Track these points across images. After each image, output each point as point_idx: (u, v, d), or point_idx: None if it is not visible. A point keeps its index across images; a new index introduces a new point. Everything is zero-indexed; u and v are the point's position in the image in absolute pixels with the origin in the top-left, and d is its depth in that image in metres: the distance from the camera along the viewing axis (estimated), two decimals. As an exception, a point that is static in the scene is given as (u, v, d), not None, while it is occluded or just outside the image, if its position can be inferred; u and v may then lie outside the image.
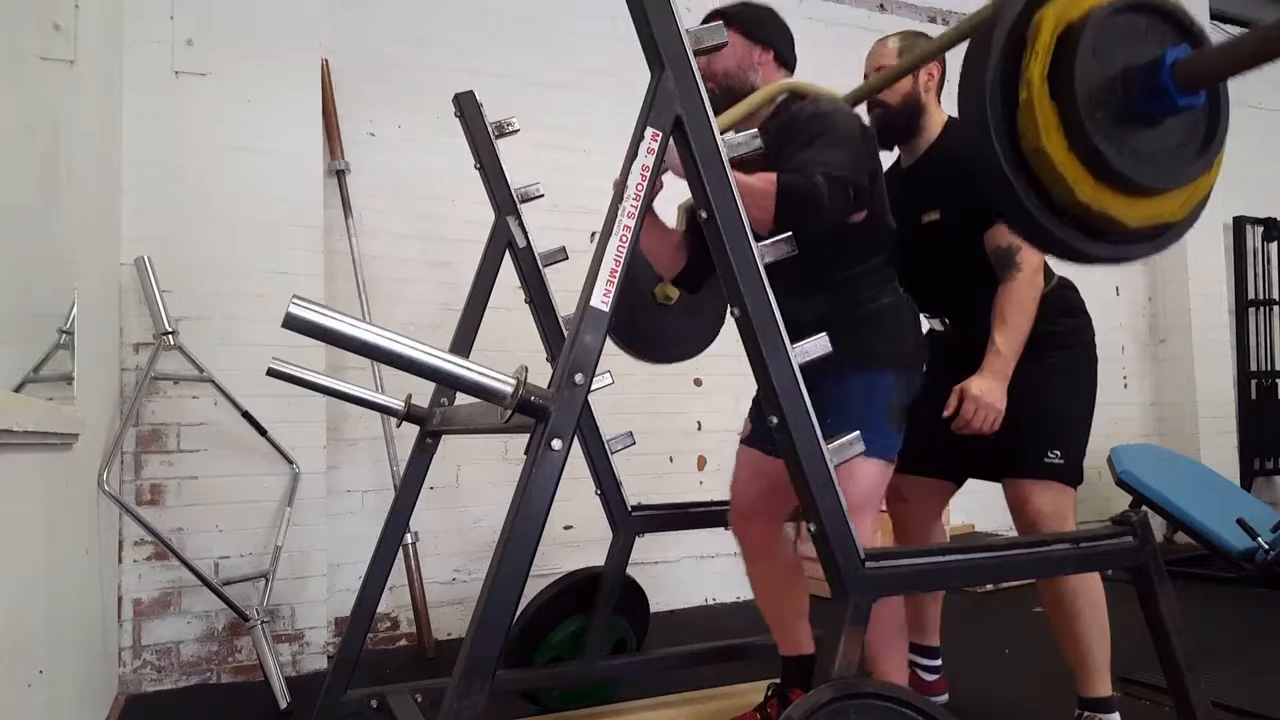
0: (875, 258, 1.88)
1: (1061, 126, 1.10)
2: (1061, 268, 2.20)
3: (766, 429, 1.60)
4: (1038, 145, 1.11)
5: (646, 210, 1.39)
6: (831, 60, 4.32)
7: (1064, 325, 2.10)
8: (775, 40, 1.97)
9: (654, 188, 1.40)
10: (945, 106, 2.17)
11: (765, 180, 1.62)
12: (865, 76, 2.17)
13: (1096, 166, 1.11)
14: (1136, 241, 1.21)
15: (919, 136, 2.15)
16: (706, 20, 1.93)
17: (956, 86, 1.19)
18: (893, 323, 1.86)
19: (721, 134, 1.72)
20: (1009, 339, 1.88)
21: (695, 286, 2.11)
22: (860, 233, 1.82)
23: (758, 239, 1.47)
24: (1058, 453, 2.02)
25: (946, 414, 1.84)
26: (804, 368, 1.45)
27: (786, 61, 2.00)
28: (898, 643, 1.91)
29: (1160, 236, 1.22)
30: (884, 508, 2.25)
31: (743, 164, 1.52)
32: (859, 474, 1.73)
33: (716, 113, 1.94)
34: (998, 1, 1.17)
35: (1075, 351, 2.11)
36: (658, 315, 2.33)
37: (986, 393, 1.82)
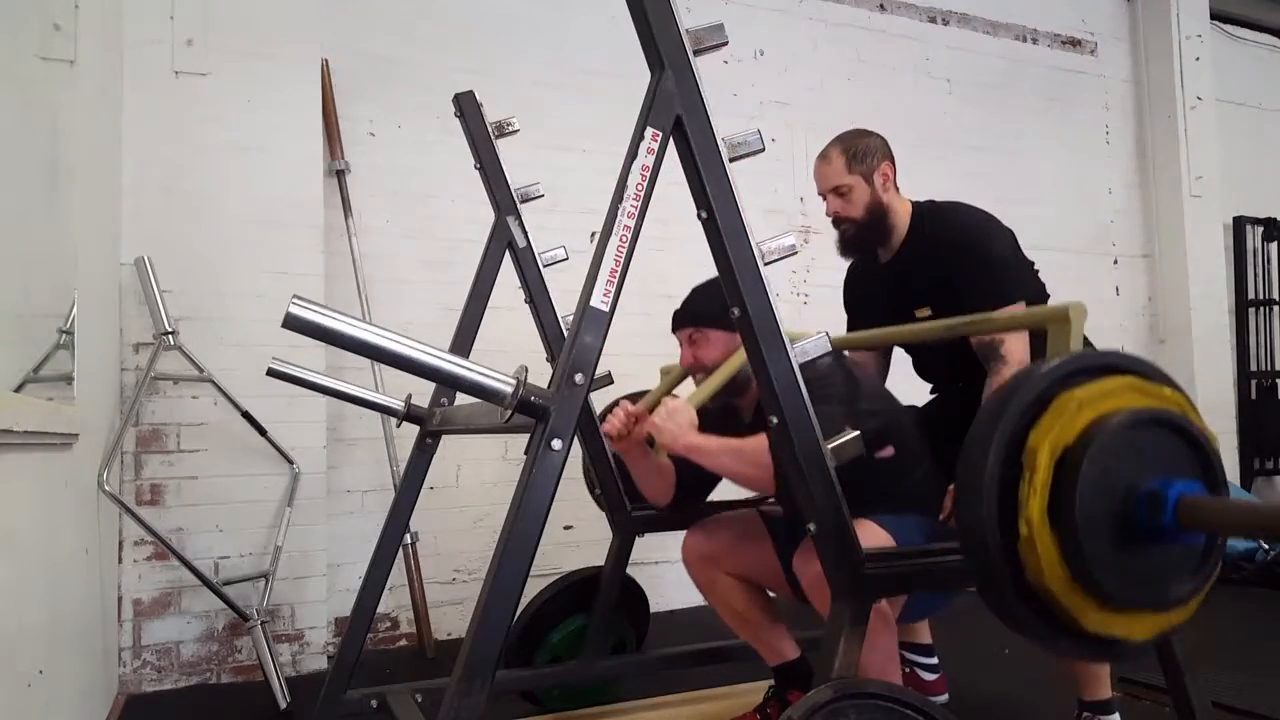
0: (918, 473, 1.89)
1: (1063, 560, 1.09)
2: (1051, 263, 2.25)
3: None
4: (1040, 583, 1.10)
5: (645, 210, 1.39)
6: (832, 60, 4.35)
7: None
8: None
9: (653, 188, 1.40)
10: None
11: (756, 444, 1.67)
12: (821, 195, 2.20)
13: (1101, 597, 1.10)
14: (1146, 647, 1.21)
15: (890, 236, 2.18)
16: (679, 328, 2.03)
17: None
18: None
19: (698, 408, 1.82)
20: None
21: (684, 509, 2.20)
22: (896, 465, 1.83)
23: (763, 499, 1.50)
24: None
25: (942, 517, 1.85)
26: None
27: None
28: (889, 645, 1.91)
29: (1166, 636, 1.22)
30: None
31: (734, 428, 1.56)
32: (866, 534, 1.68)
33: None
34: (988, 412, 1.15)
35: None
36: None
37: None
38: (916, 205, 2.18)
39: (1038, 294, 2.17)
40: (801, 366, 1.55)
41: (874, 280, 2.25)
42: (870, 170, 2.12)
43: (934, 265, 2.07)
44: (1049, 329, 1.61)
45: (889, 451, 1.83)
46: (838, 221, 2.18)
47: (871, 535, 1.69)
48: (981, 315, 1.87)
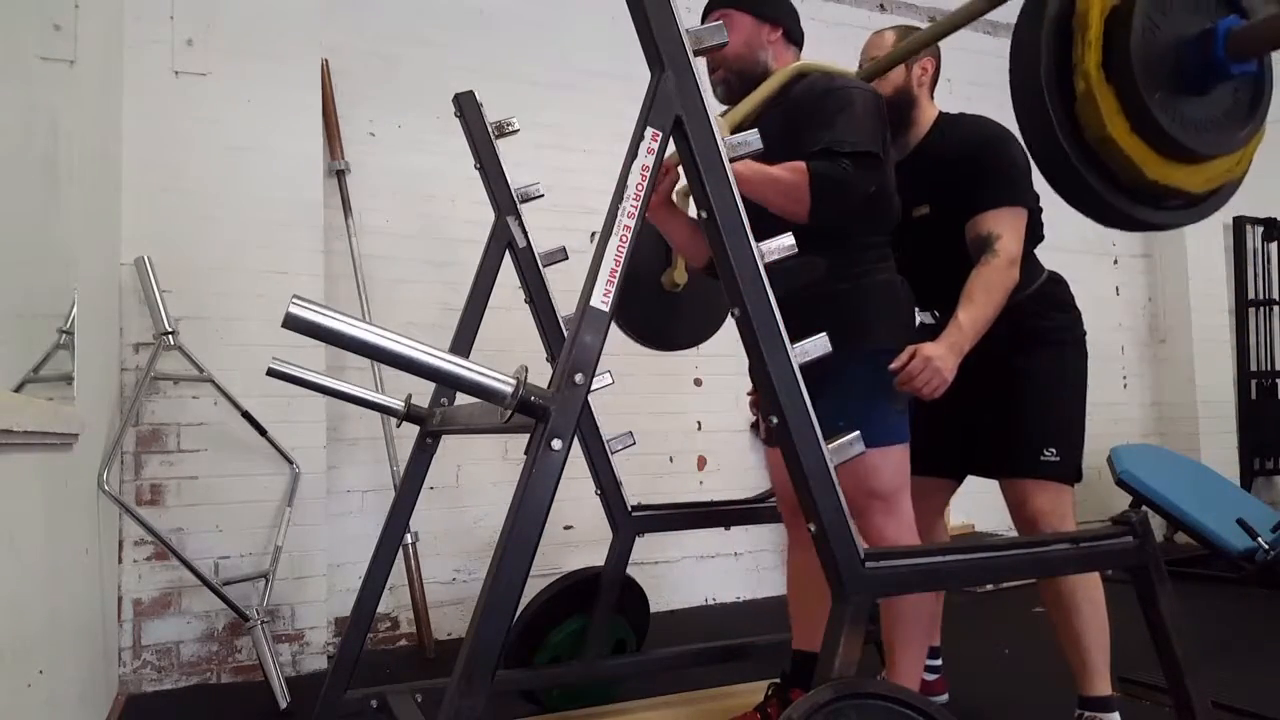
0: (878, 233, 1.89)
1: (1123, 111, 1.11)
2: (1051, 263, 2.21)
3: None
4: (1103, 134, 1.11)
5: (645, 210, 1.39)
6: (831, 60, 4.34)
7: (1055, 320, 2.10)
8: (783, 17, 1.97)
9: (654, 188, 1.40)
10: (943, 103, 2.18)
11: (795, 171, 1.63)
12: (860, 65, 2.19)
13: (1162, 144, 1.12)
14: (1201, 203, 1.23)
15: (909, 131, 2.16)
16: (709, 9, 1.94)
17: (1005, 78, 1.19)
18: (890, 301, 1.86)
19: (742, 121, 1.72)
20: (972, 317, 1.85)
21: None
22: (869, 201, 1.81)
23: (790, 227, 1.47)
24: (1053, 450, 2.02)
25: (893, 367, 1.79)
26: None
27: (795, 38, 2.00)
28: (919, 642, 1.90)
29: (1220, 194, 1.24)
30: None
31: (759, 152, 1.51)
32: (882, 463, 1.75)
33: (731, 99, 1.93)
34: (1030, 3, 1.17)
35: (1066, 348, 2.11)
36: (666, 302, 2.33)
37: (938, 358, 1.77)
38: (943, 114, 2.17)
39: (1038, 230, 2.15)
40: (829, 77, 1.60)
41: None
42: (913, 57, 2.11)
43: (945, 162, 2.04)
44: None
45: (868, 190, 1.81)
46: None
47: (865, 463, 1.65)
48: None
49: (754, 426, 2.24)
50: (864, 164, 1.66)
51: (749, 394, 2.42)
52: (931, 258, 2.05)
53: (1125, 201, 1.17)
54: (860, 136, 1.69)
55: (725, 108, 1.98)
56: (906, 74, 2.13)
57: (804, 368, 1.44)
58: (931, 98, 2.19)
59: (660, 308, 2.33)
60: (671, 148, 1.43)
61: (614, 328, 1.38)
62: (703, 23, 1.93)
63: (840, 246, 1.84)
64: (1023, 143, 2.06)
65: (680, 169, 1.80)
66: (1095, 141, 1.12)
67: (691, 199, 2.07)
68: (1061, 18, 1.13)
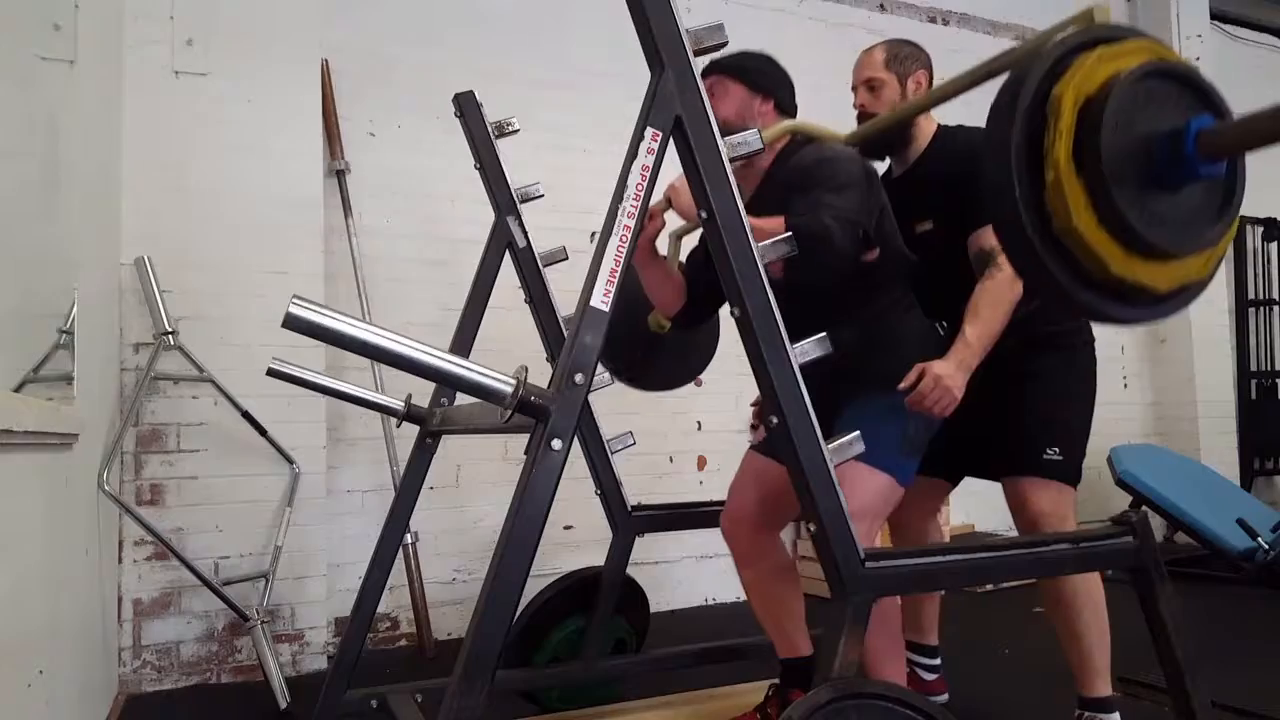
0: (895, 289, 1.92)
1: (1090, 204, 1.11)
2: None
3: None
4: (1069, 225, 1.11)
5: (645, 212, 1.39)
6: (832, 60, 4.33)
7: (1065, 325, 2.10)
8: (777, 90, 1.99)
9: (653, 188, 1.40)
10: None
11: (774, 223, 1.65)
12: (853, 88, 2.19)
13: (1128, 239, 1.12)
14: (1165, 302, 1.22)
15: (909, 146, 2.16)
16: (704, 74, 1.95)
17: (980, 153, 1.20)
18: (918, 348, 1.87)
19: None
20: (979, 333, 1.85)
21: (693, 325, 2.14)
22: (877, 269, 1.86)
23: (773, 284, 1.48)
24: (1056, 450, 2.01)
25: (902, 386, 1.81)
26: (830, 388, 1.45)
27: (788, 110, 2.02)
28: (895, 646, 1.91)
29: (1185, 294, 1.24)
30: None
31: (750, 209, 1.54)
32: (860, 482, 1.72)
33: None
34: (1012, 75, 1.17)
35: (1077, 351, 2.11)
36: (651, 345, 2.32)
37: (948, 376, 1.78)
38: (942, 127, 2.16)
39: None
40: (814, 148, 1.59)
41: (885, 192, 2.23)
42: (905, 73, 2.11)
43: (946, 177, 2.04)
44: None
45: (874, 254, 1.83)
46: (862, 116, 2.15)
47: (858, 477, 1.69)
48: (996, 56, 1.82)
49: (754, 429, 2.24)
50: (846, 229, 1.66)
51: (753, 405, 2.42)
52: (937, 272, 2.05)
53: (1089, 295, 1.18)
54: (846, 205, 1.70)
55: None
56: (902, 92, 2.12)
57: (839, 394, 1.45)
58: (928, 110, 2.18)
59: (647, 348, 2.32)
60: (658, 194, 1.42)
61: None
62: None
63: (865, 312, 1.87)
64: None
65: (666, 215, 1.82)
66: (1062, 232, 1.12)
67: (671, 249, 2.09)
68: (1036, 103, 1.13)
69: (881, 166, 2.17)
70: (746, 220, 1.45)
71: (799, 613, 2.10)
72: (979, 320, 1.87)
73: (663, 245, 2.05)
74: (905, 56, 2.13)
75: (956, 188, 2.00)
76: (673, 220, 1.96)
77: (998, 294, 1.89)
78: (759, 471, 2.05)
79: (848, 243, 1.66)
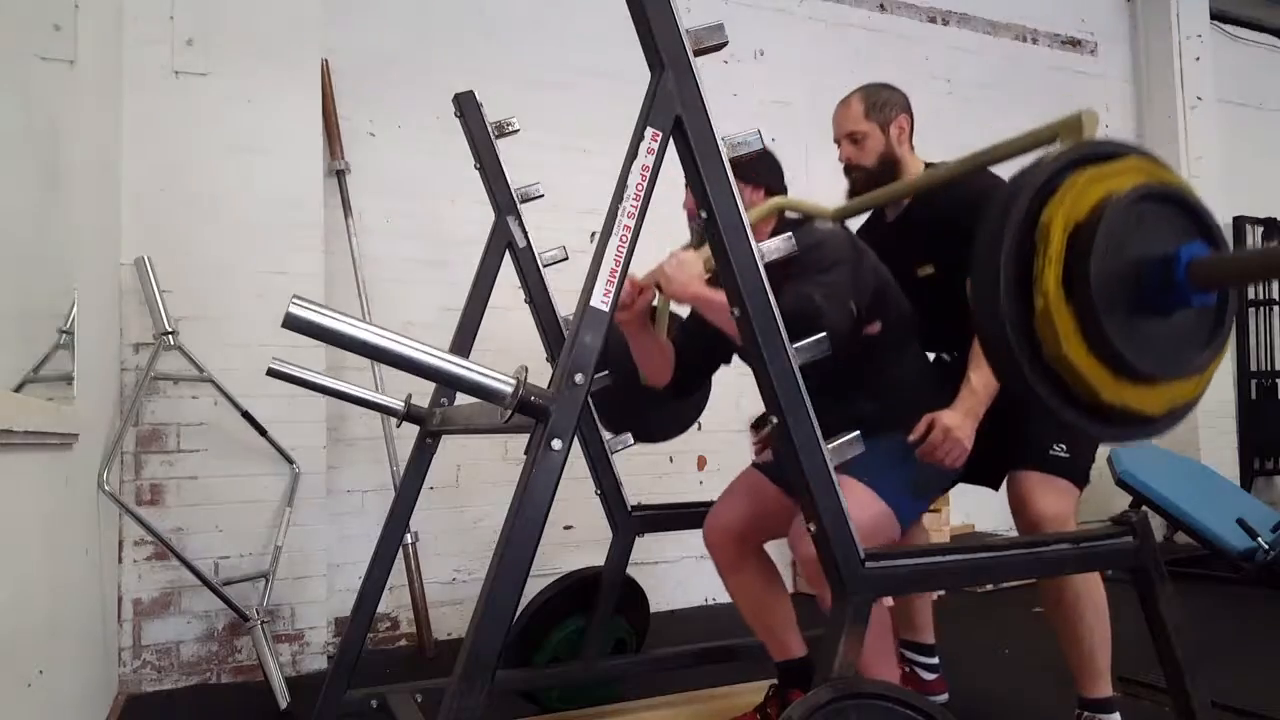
0: (906, 355, 1.94)
1: (1080, 331, 1.10)
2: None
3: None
4: (1059, 353, 1.11)
5: (644, 211, 1.39)
6: (832, 60, 4.35)
7: None
8: (764, 176, 2.00)
9: (653, 188, 1.40)
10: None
11: None
12: (836, 141, 2.18)
13: (1118, 366, 1.12)
14: (1155, 423, 1.23)
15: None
16: None
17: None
18: (928, 395, 1.90)
19: (709, 271, 1.77)
20: (984, 379, 1.85)
21: (682, 395, 2.16)
22: (884, 342, 1.86)
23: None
24: (1063, 447, 2.00)
25: (912, 439, 1.82)
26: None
27: (777, 192, 2.03)
28: (886, 645, 1.91)
29: (1175, 415, 1.24)
30: None
31: None
32: (857, 504, 1.65)
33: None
34: (1002, 197, 1.16)
35: None
36: (646, 396, 2.31)
37: (957, 428, 1.80)
38: (929, 165, 2.16)
39: None
40: (802, 233, 1.59)
41: (878, 237, 2.21)
42: (887, 120, 2.11)
43: (942, 221, 2.02)
44: (1061, 138, 1.58)
45: (876, 328, 1.84)
46: (848, 169, 2.16)
47: (858, 499, 1.68)
48: (987, 148, 1.78)
49: (758, 449, 2.26)
50: (835, 304, 1.67)
51: (752, 426, 2.41)
52: (942, 312, 2.05)
53: (1080, 419, 1.18)
54: (835, 281, 1.71)
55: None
56: (885, 139, 2.11)
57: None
58: (913, 149, 2.18)
59: (639, 401, 2.30)
60: (657, 195, 1.41)
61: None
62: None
63: (878, 381, 1.89)
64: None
65: (657, 288, 1.82)
66: (1052, 359, 1.12)
67: (660, 304, 2.09)
68: (1025, 227, 1.13)
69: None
70: (746, 220, 1.45)
71: (788, 615, 2.11)
72: (983, 368, 1.86)
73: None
74: (883, 103, 2.12)
75: (953, 231, 1.99)
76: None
77: None
78: (753, 487, 2.07)
79: (839, 318, 1.66)
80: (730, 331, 1.73)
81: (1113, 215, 1.09)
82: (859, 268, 1.80)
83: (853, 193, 2.16)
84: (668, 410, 2.44)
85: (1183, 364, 1.16)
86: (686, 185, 1.98)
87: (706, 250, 1.85)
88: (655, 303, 2.04)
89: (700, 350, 2.05)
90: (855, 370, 1.82)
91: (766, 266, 1.47)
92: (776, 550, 2.18)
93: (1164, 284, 1.10)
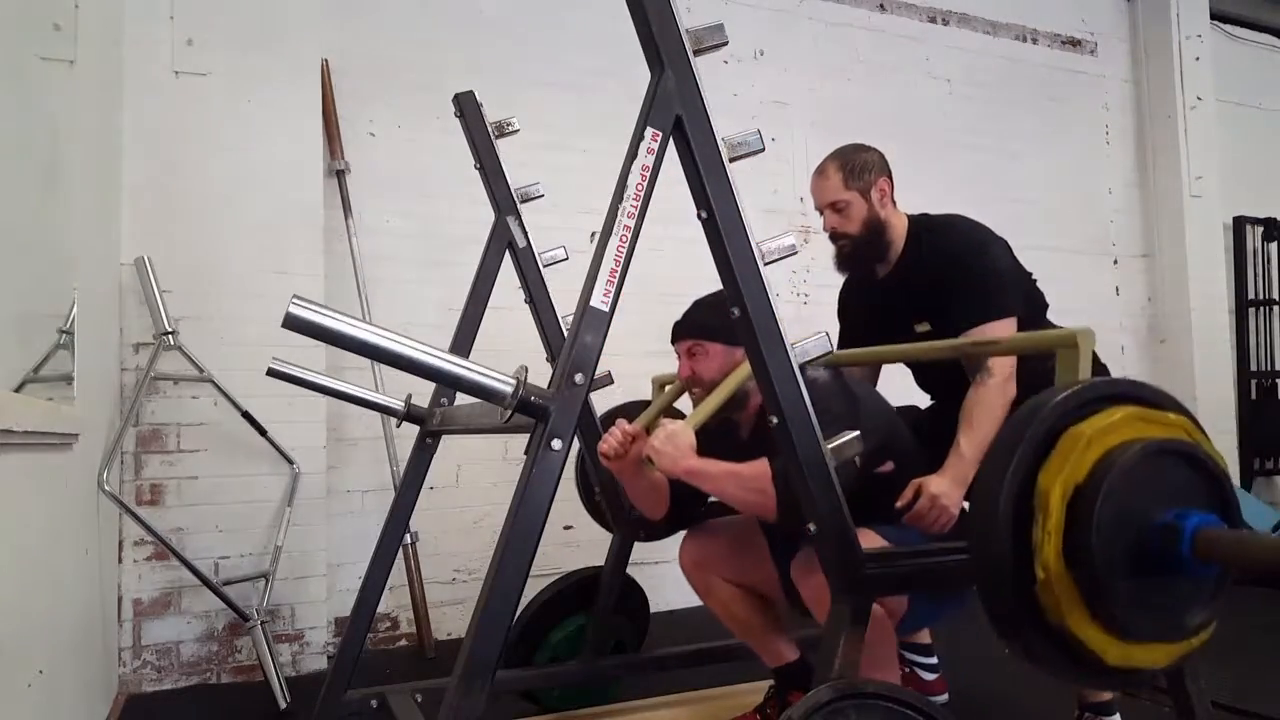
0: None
1: (1082, 600, 1.09)
2: (1051, 263, 2.21)
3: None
4: (1062, 622, 1.10)
5: (644, 211, 1.39)
6: (832, 60, 4.35)
7: None
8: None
9: (653, 188, 1.40)
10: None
11: (757, 469, 1.66)
12: (818, 210, 2.18)
13: (1121, 631, 1.10)
14: (1163, 669, 1.22)
15: (889, 250, 2.16)
16: (679, 339, 1.98)
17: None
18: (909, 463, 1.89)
19: (697, 429, 1.77)
20: (973, 443, 1.84)
21: (678, 526, 2.20)
22: (893, 481, 1.84)
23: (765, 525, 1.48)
24: None
25: (899, 504, 1.81)
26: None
27: None
28: (888, 647, 1.90)
29: (1183, 659, 1.22)
30: None
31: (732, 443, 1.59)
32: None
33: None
34: (996, 458, 1.15)
35: None
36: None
37: (944, 495, 1.79)
38: (913, 219, 2.16)
39: (1037, 304, 2.15)
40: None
41: (871, 294, 2.23)
42: (867, 186, 2.10)
43: (931, 280, 2.05)
44: (1057, 354, 1.59)
45: (889, 467, 1.83)
46: (835, 237, 2.16)
47: (871, 543, 1.69)
48: (988, 339, 1.87)
49: None
50: (843, 469, 1.62)
51: None
52: (943, 368, 2.06)
53: (1089, 678, 1.20)
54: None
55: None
56: (868, 204, 2.11)
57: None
58: (895, 205, 2.17)
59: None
60: (658, 195, 1.41)
61: (615, 341, 1.38)
62: (674, 343, 2.00)
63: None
64: (1004, 243, 2.08)
65: (648, 460, 1.81)
66: (1054, 627, 1.11)
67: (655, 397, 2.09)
68: (1022, 494, 1.11)
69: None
70: (746, 221, 1.45)
71: (775, 623, 2.11)
72: (972, 431, 1.85)
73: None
74: (861, 168, 2.11)
75: (947, 288, 2.02)
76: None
77: (990, 401, 1.88)
78: (742, 542, 2.07)
79: (844, 473, 1.62)
80: (726, 498, 1.75)
81: (1113, 484, 1.07)
82: (856, 416, 1.74)
83: (840, 259, 2.18)
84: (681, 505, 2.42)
85: (1187, 625, 1.15)
86: (677, 352, 2.01)
87: (701, 411, 1.86)
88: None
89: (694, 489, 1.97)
90: (869, 505, 1.76)
91: (766, 435, 1.46)
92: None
93: (1169, 553, 1.09)
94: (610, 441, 1.87)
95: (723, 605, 2.12)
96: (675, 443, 1.73)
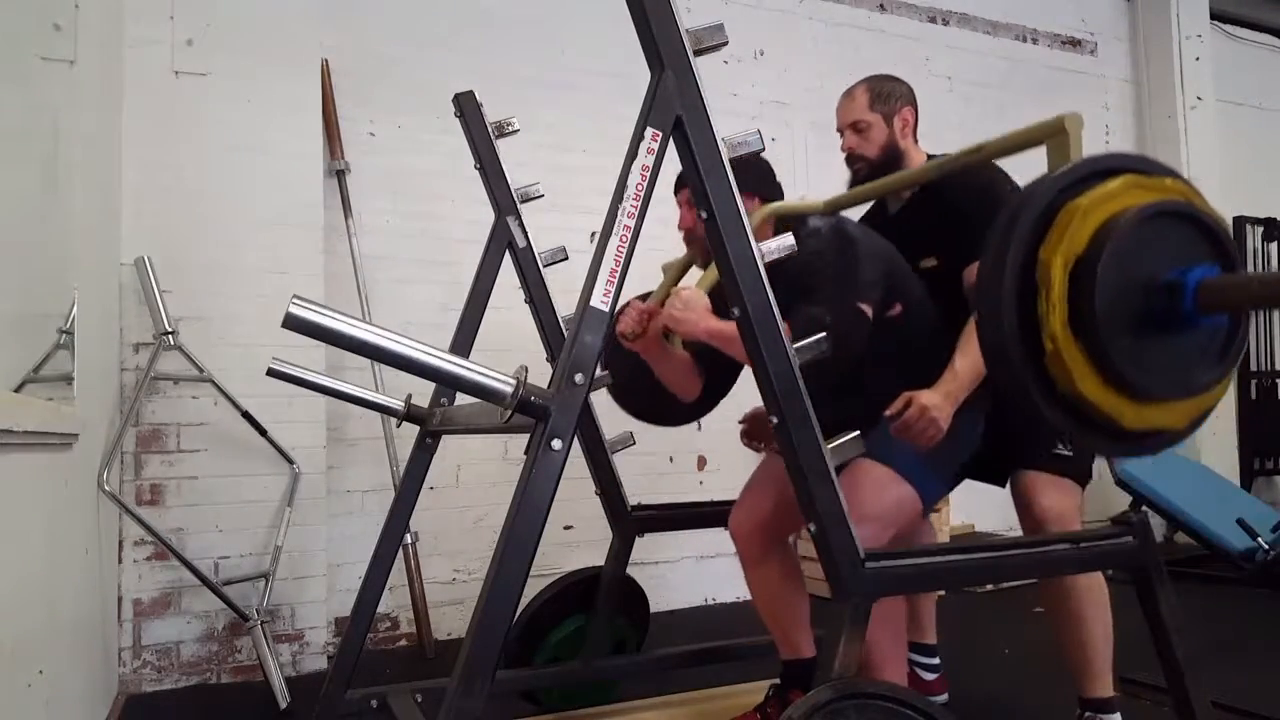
0: (919, 340, 1.91)
1: (1091, 364, 1.09)
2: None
3: None
4: (1074, 390, 1.10)
5: (644, 211, 1.39)
6: (832, 60, 4.35)
7: None
8: (757, 184, 1.97)
9: (653, 188, 1.40)
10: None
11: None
12: (839, 130, 2.17)
13: (1134, 393, 1.11)
14: (1185, 432, 1.23)
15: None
16: (682, 186, 1.95)
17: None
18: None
19: (709, 291, 1.77)
20: (968, 364, 1.84)
21: (714, 400, 2.18)
22: (900, 326, 1.85)
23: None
24: (1067, 444, 2.00)
25: (889, 414, 1.80)
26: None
27: (773, 199, 2.02)
28: (897, 646, 1.91)
29: (1202, 418, 1.23)
30: None
31: None
32: (879, 485, 1.73)
33: (707, 263, 1.95)
34: (997, 238, 1.15)
35: None
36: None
37: (934, 407, 1.77)
38: (932, 158, 2.14)
39: None
40: (804, 249, 1.58)
41: (883, 228, 2.21)
42: (891, 112, 2.10)
43: (942, 216, 2.03)
44: (1047, 145, 1.56)
45: (897, 310, 1.83)
46: (851, 159, 2.15)
47: (875, 479, 1.70)
48: (974, 145, 1.77)
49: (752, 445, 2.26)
50: (850, 319, 1.67)
51: (741, 422, 2.40)
52: (946, 302, 2.05)
53: (1106, 444, 1.19)
54: (838, 293, 1.71)
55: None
56: (888, 130, 2.11)
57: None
58: (916, 141, 2.17)
59: (658, 387, 2.30)
60: (658, 192, 1.41)
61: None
62: (676, 194, 1.97)
63: (904, 373, 1.86)
64: (1015, 185, 2.08)
65: (666, 332, 1.81)
66: (1067, 394, 1.12)
67: (676, 338, 2.08)
68: (1025, 266, 1.12)
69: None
70: (746, 221, 1.45)
71: (803, 615, 2.10)
72: (969, 353, 1.85)
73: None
74: (888, 94, 2.12)
75: (956, 224, 2.00)
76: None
77: None
78: (778, 477, 2.05)
79: (853, 329, 1.66)
80: (743, 357, 1.72)
81: (1112, 249, 1.07)
82: (861, 264, 1.77)
83: (854, 183, 2.15)
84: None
85: (1199, 382, 1.15)
86: (679, 201, 1.99)
87: (709, 275, 1.84)
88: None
89: (720, 356, 2.00)
90: (884, 353, 1.79)
91: (776, 288, 1.46)
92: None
93: (1172, 310, 1.09)
94: (627, 321, 1.86)
95: (764, 579, 2.08)
96: (692, 307, 1.73)
